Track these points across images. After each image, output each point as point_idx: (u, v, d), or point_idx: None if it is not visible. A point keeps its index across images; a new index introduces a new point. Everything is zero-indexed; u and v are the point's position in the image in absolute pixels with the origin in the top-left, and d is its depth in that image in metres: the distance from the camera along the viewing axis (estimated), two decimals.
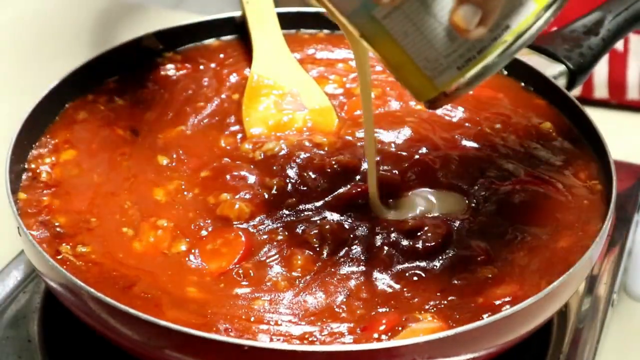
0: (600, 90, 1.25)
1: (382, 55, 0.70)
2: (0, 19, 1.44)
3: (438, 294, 0.75)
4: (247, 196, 0.83)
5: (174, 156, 0.88)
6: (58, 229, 0.79)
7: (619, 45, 1.22)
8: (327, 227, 0.80)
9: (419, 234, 0.79)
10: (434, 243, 0.78)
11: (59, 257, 0.76)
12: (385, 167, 0.86)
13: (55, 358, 0.82)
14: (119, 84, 0.96)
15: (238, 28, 1.04)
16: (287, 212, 0.82)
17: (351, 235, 0.80)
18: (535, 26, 0.67)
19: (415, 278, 0.76)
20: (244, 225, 0.81)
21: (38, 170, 0.85)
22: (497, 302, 0.73)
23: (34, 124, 0.88)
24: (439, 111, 0.94)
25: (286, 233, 0.80)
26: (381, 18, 0.67)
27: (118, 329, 0.71)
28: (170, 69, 0.99)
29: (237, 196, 0.83)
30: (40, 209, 0.81)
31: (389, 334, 0.71)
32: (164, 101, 0.95)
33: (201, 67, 1.00)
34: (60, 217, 0.80)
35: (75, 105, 0.93)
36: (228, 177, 0.85)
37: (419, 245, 0.78)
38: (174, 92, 0.96)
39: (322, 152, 0.88)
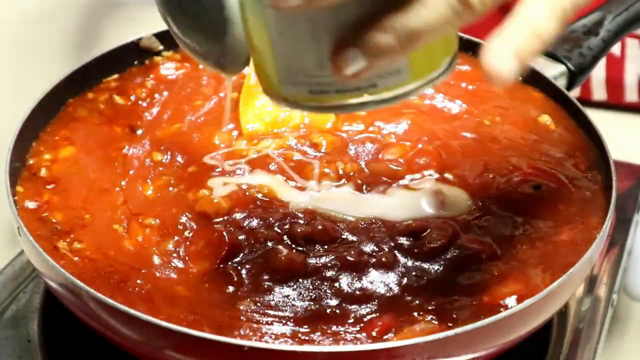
0: (599, 92, 1.25)
1: (246, 32, 0.65)
2: (0, 19, 1.43)
3: (441, 294, 0.74)
4: (228, 191, 0.83)
5: (169, 153, 0.88)
6: (56, 226, 0.79)
7: (616, 50, 1.22)
8: (319, 227, 0.79)
9: (423, 235, 0.79)
10: (439, 245, 0.78)
11: (57, 253, 0.76)
12: (389, 157, 0.87)
13: (55, 358, 0.82)
14: (118, 82, 0.97)
15: None
16: (272, 210, 0.82)
17: (342, 236, 0.79)
18: (395, 94, 0.63)
19: (416, 279, 0.76)
20: (222, 221, 0.80)
21: (37, 167, 0.85)
22: (502, 302, 0.73)
23: (34, 121, 0.88)
24: (438, 104, 0.95)
25: (270, 232, 0.79)
26: (263, 7, 0.62)
27: (118, 329, 0.71)
28: (169, 68, 0.99)
29: (217, 192, 0.82)
30: (39, 206, 0.81)
31: (388, 335, 0.71)
32: (163, 100, 0.95)
33: (200, 66, 1.00)
34: (58, 214, 0.80)
35: (75, 104, 0.93)
36: (214, 173, 0.85)
37: (424, 247, 0.78)
38: (173, 91, 0.96)
39: (319, 153, 0.87)
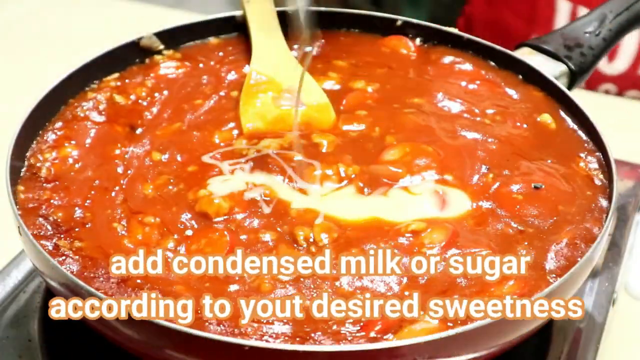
0: (622, 60, 1.24)
1: None
2: (0, 19, 1.44)
3: (441, 294, 0.74)
4: (228, 191, 0.83)
5: (169, 152, 0.88)
6: (57, 224, 0.79)
7: None
8: (316, 227, 0.79)
9: (423, 235, 0.79)
10: (437, 245, 0.78)
11: (58, 252, 0.76)
12: (389, 158, 0.86)
13: (55, 358, 0.82)
14: (118, 82, 0.96)
15: (238, 27, 1.04)
16: (272, 210, 0.82)
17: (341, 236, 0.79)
18: None
19: (416, 279, 0.76)
20: (222, 221, 0.80)
21: (38, 166, 0.85)
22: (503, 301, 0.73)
23: (35, 121, 0.88)
24: (438, 103, 0.95)
25: (270, 232, 0.79)
26: None
27: (119, 328, 0.71)
28: (169, 67, 0.99)
29: (217, 192, 0.83)
30: (40, 204, 0.81)
31: (387, 335, 0.71)
32: (163, 99, 0.95)
33: (200, 65, 1.00)
34: (59, 212, 0.80)
35: (76, 103, 0.93)
36: (213, 172, 0.85)
37: (422, 248, 0.78)
38: (173, 89, 0.96)
39: (320, 154, 0.87)
